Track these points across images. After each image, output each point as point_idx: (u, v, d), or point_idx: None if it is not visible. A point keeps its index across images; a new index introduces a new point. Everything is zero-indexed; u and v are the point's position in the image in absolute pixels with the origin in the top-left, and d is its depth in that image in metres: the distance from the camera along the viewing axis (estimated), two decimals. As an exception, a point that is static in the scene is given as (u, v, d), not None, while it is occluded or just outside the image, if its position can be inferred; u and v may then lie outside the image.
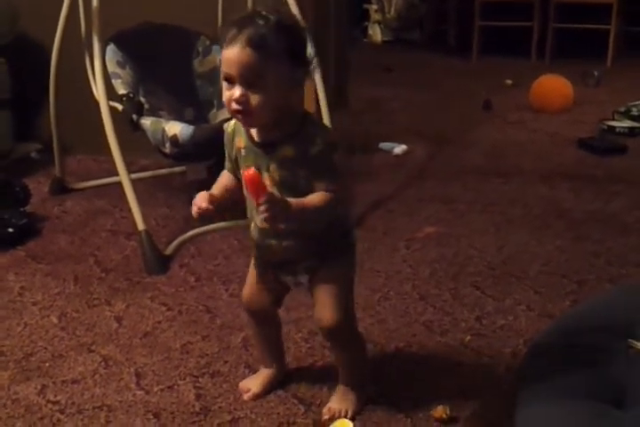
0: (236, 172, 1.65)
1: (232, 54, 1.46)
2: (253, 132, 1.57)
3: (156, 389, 1.88)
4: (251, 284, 1.78)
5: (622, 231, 2.77)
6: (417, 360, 1.99)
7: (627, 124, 4.08)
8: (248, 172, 1.43)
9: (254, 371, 1.93)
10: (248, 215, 1.67)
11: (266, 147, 1.56)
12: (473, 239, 2.72)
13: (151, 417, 1.77)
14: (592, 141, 3.82)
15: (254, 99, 1.46)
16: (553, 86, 4.63)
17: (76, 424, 1.75)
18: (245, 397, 1.83)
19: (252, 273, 1.77)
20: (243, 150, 1.59)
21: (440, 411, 1.73)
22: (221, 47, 1.50)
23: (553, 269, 2.48)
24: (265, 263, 1.72)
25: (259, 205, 1.43)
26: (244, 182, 1.52)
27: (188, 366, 1.97)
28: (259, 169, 1.53)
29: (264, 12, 1.48)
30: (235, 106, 1.47)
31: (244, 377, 1.91)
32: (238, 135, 1.61)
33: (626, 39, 6.06)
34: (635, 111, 4.15)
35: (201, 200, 1.56)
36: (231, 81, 1.47)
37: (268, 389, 1.85)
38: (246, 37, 1.43)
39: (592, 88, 5.06)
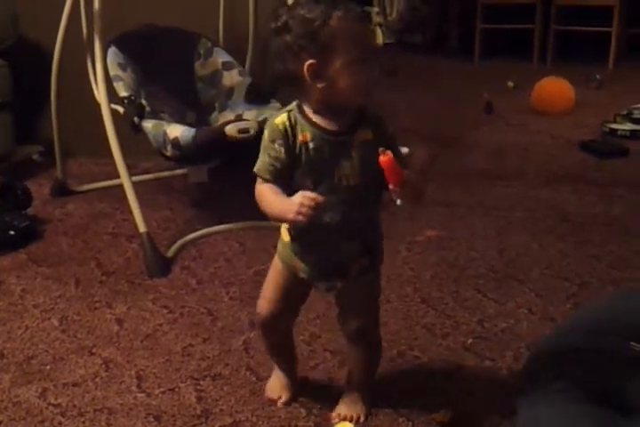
0: (282, 176, 1.53)
1: (367, 33, 1.48)
2: (323, 122, 1.52)
3: (157, 391, 1.88)
4: (274, 300, 1.68)
5: (624, 235, 2.76)
6: (418, 363, 1.99)
7: (628, 126, 4.07)
8: (384, 156, 1.42)
9: (256, 374, 1.93)
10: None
11: (345, 134, 1.53)
12: (474, 242, 2.72)
13: (152, 420, 1.77)
14: (594, 144, 3.81)
15: (376, 70, 1.49)
16: (555, 89, 4.62)
17: (77, 427, 1.75)
18: (279, 404, 1.80)
19: (274, 288, 1.68)
20: (311, 143, 1.51)
21: (442, 415, 1.73)
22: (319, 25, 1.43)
23: (555, 273, 2.48)
24: (316, 269, 1.62)
25: (397, 187, 1.43)
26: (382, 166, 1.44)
27: (189, 369, 1.97)
28: (334, 156, 1.52)
29: None
30: (372, 88, 1.48)
31: (245, 380, 1.91)
32: (301, 129, 1.51)
33: (628, 42, 6.06)
34: (637, 114, 4.13)
35: (310, 194, 1.43)
36: (365, 60, 1.45)
37: (295, 393, 1.83)
38: (361, 16, 1.47)
39: (594, 91, 5.05)
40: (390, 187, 1.44)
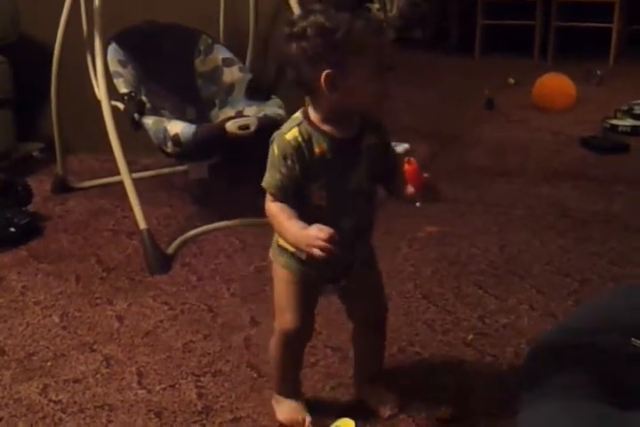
0: (292, 193, 1.51)
1: (384, 43, 1.48)
2: (334, 131, 1.51)
3: (157, 388, 1.88)
4: (298, 312, 1.63)
5: (624, 231, 2.76)
6: (419, 359, 1.99)
7: (629, 122, 4.06)
8: (410, 165, 1.45)
9: (257, 371, 1.93)
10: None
11: (354, 140, 1.54)
12: (475, 239, 2.72)
13: (153, 416, 1.77)
14: (595, 140, 3.81)
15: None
16: (555, 85, 4.62)
17: (78, 424, 1.75)
18: (307, 425, 1.72)
19: (295, 299, 1.62)
20: (328, 154, 1.50)
21: (443, 411, 1.73)
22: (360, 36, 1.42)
23: (555, 269, 2.48)
24: (325, 273, 1.61)
25: (420, 191, 1.48)
26: (406, 175, 1.48)
27: (190, 366, 1.97)
28: (348, 163, 1.53)
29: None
30: (388, 99, 1.50)
31: (245, 376, 1.91)
32: (316, 141, 1.49)
33: (629, 38, 6.05)
34: (637, 110, 4.13)
35: (326, 229, 1.41)
36: (386, 70, 1.47)
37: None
38: (381, 26, 1.50)
39: (595, 87, 5.05)
40: (411, 191, 1.49)
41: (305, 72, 1.44)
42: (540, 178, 3.36)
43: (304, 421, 1.73)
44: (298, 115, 1.54)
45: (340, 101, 1.46)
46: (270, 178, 1.51)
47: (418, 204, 1.49)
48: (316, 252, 1.40)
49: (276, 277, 1.64)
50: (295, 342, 1.69)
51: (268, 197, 1.52)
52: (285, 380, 1.76)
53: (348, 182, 1.54)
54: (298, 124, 1.50)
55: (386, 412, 1.75)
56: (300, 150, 1.48)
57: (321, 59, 1.41)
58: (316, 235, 1.41)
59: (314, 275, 1.59)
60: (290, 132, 1.49)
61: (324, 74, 1.42)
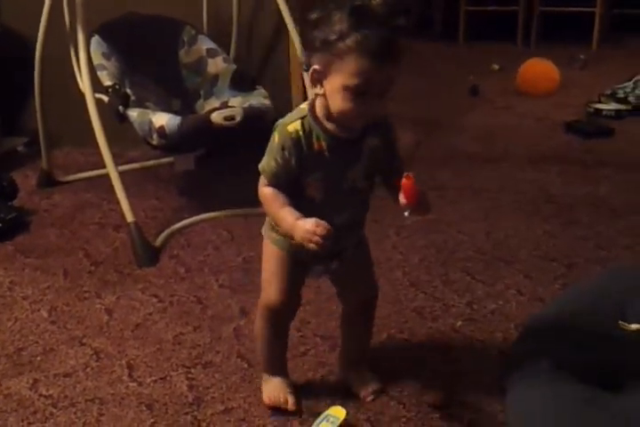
0: (287, 182, 1.52)
1: (378, 69, 1.38)
2: (336, 129, 1.50)
3: (148, 380, 1.88)
4: (284, 287, 1.65)
5: (611, 215, 2.77)
6: (409, 346, 2.00)
7: (613, 106, 4.07)
8: (407, 180, 1.43)
9: (247, 361, 1.93)
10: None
11: (356, 141, 1.53)
12: (462, 225, 2.72)
13: (144, 409, 1.77)
14: (579, 125, 3.82)
15: (382, 105, 1.45)
16: (539, 70, 4.62)
17: (69, 418, 1.75)
18: (290, 407, 1.74)
19: (280, 275, 1.65)
20: (326, 151, 1.51)
21: (433, 396, 1.74)
22: (337, 50, 1.38)
23: (542, 254, 2.49)
24: (312, 256, 1.59)
25: (413, 205, 1.46)
26: (401, 188, 1.46)
27: (180, 358, 1.97)
28: (346, 162, 1.53)
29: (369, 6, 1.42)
30: (367, 118, 1.46)
31: (236, 367, 1.92)
32: (316, 137, 1.50)
33: (611, 22, 6.05)
34: (621, 94, 4.15)
35: (323, 225, 1.41)
36: (363, 93, 1.41)
37: (297, 393, 1.79)
38: (391, 50, 1.38)
39: (578, 71, 5.05)
40: (403, 202, 1.47)
41: (306, 62, 1.46)
42: (526, 163, 3.36)
43: (285, 402, 1.75)
44: (304, 106, 1.53)
45: (323, 99, 1.47)
46: (266, 164, 1.52)
47: (406, 213, 1.48)
48: (311, 246, 1.41)
49: (265, 252, 1.67)
50: (278, 317, 1.70)
51: (262, 181, 1.54)
52: (270, 357, 1.79)
53: (344, 180, 1.55)
54: (302, 118, 1.50)
55: (368, 395, 1.77)
56: (299, 144, 1.49)
57: (316, 51, 1.42)
58: (313, 230, 1.41)
59: (302, 255, 1.60)
60: (292, 124, 1.50)
61: (312, 67, 1.43)
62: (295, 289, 1.69)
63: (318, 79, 1.44)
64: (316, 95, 1.49)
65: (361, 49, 1.36)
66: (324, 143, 1.50)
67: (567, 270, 2.36)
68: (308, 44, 1.45)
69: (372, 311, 1.80)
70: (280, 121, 1.53)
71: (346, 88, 1.40)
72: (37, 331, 2.13)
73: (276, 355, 1.79)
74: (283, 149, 1.49)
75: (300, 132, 1.49)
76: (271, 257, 1.65)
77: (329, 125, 1.50)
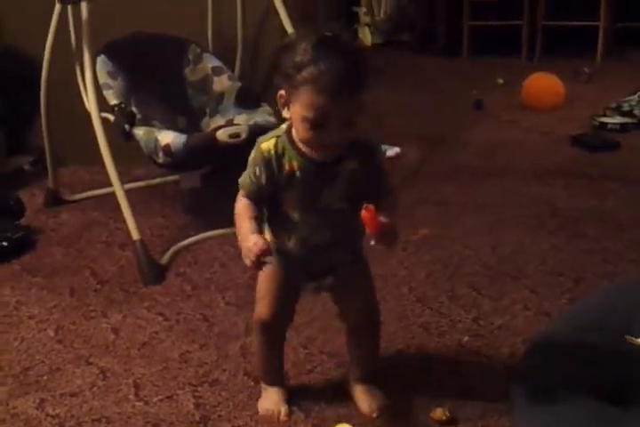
0: (262, 197, 1.55)
1: (334, 104, 1.37)
2: (309, 151, 1.49)
3: (155, 399, 1.88)
4: (273, 302, 1.69)
5: (617, 229, 2.76)
6: (416, 362, 1.99)
7: (618, 120, 4.07)
8: (367, 212, 1.43)
9: (253, 379, 1.92)
10: (278, 233, 1.60)
11: (331, 164, 1.52)
12: (467, 240, 2.72)
13: (151, 428, 1.77)
14: (584, 138, 3.82)
15: (347, 133, 1.44)
16: (544, 84, 4.63)
17: (76, 437, 1.75)
18: (282, 417, 1.77)
19: (271, 291, 1.69)
20: (298, 172, 1.51)
21: (439, 413, 1.73)
22: (294, 82, 1.39)
23: (549, 268, 2.48)
24: (302, 273, 1.66)
25: (376, 236, 1.45)
26: (363, 219, 1.45)
27: (187, 376, 1.97)
28: (319, 185, 1.52)
29: (330, 41, 1.41)
30: (330, 148, 1.46)
31: (243, 385, 1.91)
32: (288, 158, 1.51)
33: (615, 35, 6.06)
34: (626, 107, 4.15)
35: (260, 244, 1.45)
36: (320, 125, 1.41)
37: (289, 404, 1.81)
38: (349, 85, 1.37)
39: (583, 85, 5.06)
40: (368, 232, 1.47)
41: (275, 84, 1.48)
42: (532, 177, 3.36)
43: (279, 413, 1.77)
44: (284, 126, 1.54)
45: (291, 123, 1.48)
46: (244, 176, 1.56)
47: (372, 242, 1.48)
48: (247, 262, 1.46)
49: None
50: (269, 331, 1.75)
51: (240, 192, 1.57)
52: (265, 367, 1.83)
53: (317, 201, 1.55)
54: (277, 137, 1.52)
55: (374, 411, 1.77)
56: (270, 164, 1.51)
57: (282, 77, 1.43)
58: (249, 247, 1.45)
59: (292, 272, 1.63)
60: (266, 143, 1.52)
61: (279, 92, 1.46)
62: (287, 305, 1.72)
63: (284, 104, 1.47)
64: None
65: (316, 84, 1.37)
66: (295, 164, 1.51)
67: (574, 285, 2.35)
68: (274, 69, 1.46)
69: (373, 331, 1.80)
70: (259, 138, 1.55)
71: (304, 119, 1.41)
72: (44, 350, 2.13)
73: (271, 365, 1.83)
74: (255, 165, 1.52)
75: (272, 152, 1.51)
76: (263, 273, 1.67)
77: (303, 148, 1.50)
